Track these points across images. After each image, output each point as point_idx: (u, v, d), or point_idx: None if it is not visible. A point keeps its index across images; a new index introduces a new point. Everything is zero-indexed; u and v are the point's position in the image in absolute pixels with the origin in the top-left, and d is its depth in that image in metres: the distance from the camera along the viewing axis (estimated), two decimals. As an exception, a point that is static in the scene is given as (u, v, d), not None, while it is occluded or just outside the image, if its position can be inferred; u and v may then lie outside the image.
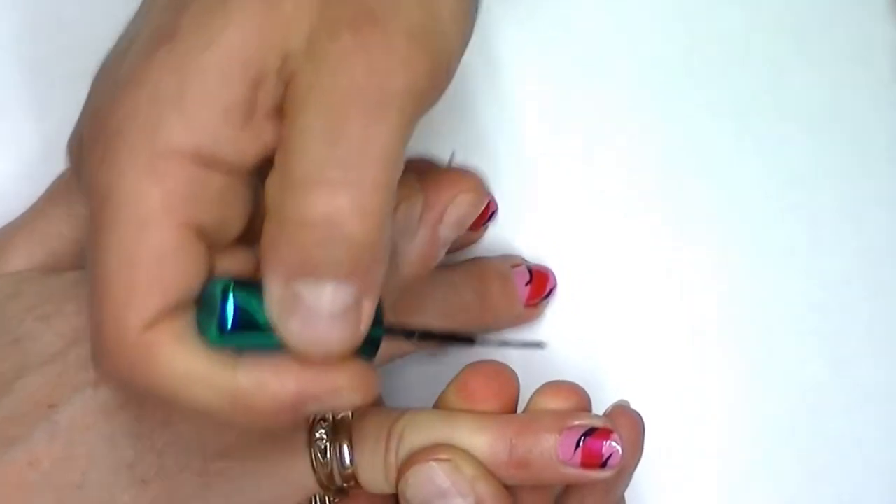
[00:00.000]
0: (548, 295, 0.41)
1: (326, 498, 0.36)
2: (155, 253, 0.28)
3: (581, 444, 0.34)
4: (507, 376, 0.36)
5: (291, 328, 0.28)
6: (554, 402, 0.35)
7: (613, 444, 0.34)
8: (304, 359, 0.28)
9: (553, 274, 0.42)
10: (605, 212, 0.43)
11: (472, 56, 0.41)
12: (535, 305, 0.41)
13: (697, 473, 0.41)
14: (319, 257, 0.27)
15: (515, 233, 0.42)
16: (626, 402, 0.36)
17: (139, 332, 0.28)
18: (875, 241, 0.43)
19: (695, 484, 0.39)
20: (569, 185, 0.43)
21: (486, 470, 0.34)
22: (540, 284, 0.41)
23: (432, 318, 0.38)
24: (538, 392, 0.35)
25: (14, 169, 0.41)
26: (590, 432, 0.34)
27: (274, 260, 0.27)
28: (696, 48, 0.43)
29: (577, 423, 0.34)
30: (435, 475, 0.34)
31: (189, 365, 0.28)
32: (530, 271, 0.41)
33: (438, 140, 0.42)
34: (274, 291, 0.28)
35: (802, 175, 0.43)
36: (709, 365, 0.42)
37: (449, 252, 0.40)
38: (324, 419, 0.35)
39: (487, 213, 0.41)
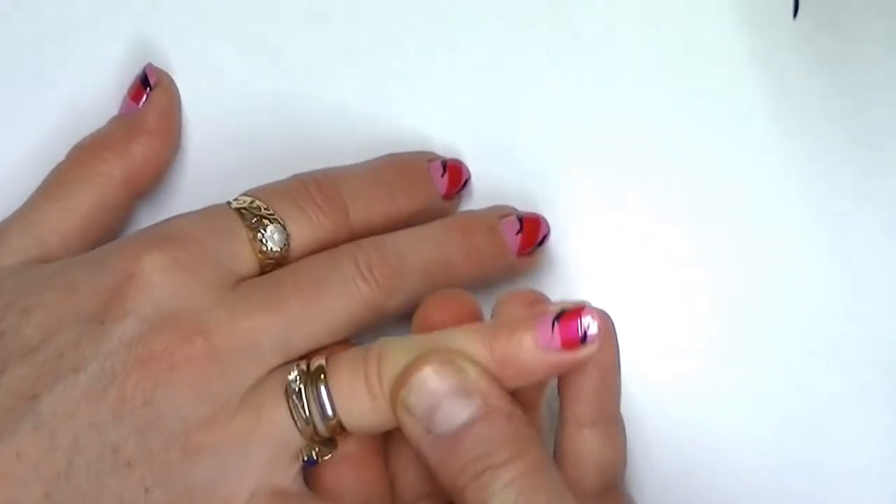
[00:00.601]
0: (541, 242, 0.40)
1: (313, 451, 0.35)
2: None
3: (556, 326, 0.34)
4: (466, 298, 0.36)
5: None
6: (516, 307, 0.35)
7: (588, 317, 0.34)
8: None
9: (545, 220, 0.40)
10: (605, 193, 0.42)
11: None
12: (529, 254, 0.40)
13: (696, 473, 0.41)
14: None
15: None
16: (587, 301, 0.35)
17: None
18: (878, 242, 0.41)
19: (694, 483, 0.38)
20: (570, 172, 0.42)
21: (487, 370, 0.34)
22: (531, 232, 0.40)
23: (414, 278, 0.37)
24: (498, 303, 0.36)
25: (11, 165, 0.41)
26: (561, 316, 0.34)
27: None
28: (703, 43, 0.42)
29: (548, 308, 0.34)
30: (441, 376, 0.33)
31: None
32: (520, 220, 0.40)
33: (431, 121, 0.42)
34: None
35: (807, 171, 0.42)
36: (708, 362, 0.41)
37: (423, 219, 0.40)
38: (300, 370, 0.35)
39: (461, 181, 0.41)
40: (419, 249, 0.38)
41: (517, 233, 0.40)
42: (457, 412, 0.33)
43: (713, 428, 0.41)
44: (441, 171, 0.41)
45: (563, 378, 0.36)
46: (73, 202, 0.38)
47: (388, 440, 0.37)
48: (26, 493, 0.33)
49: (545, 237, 0.40)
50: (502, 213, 0.40)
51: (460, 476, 0.33)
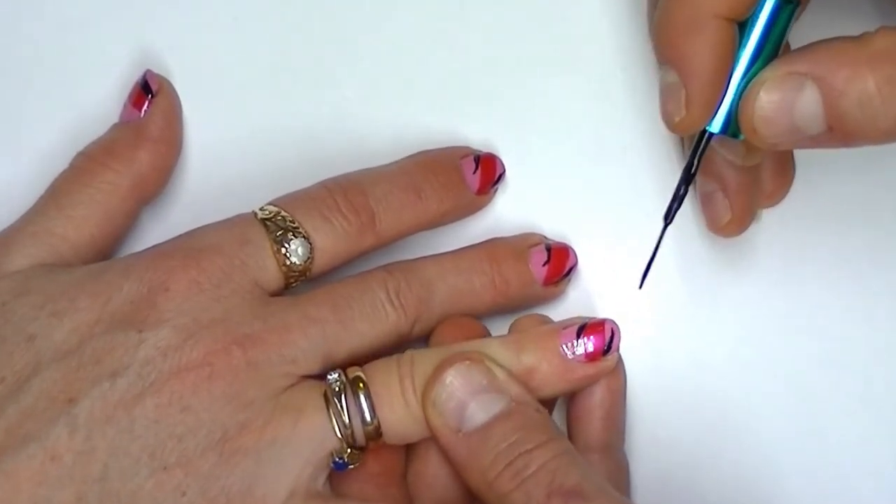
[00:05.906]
0: (568, 273, 0.41)
1: (345, 455, 0.36)
2: None
3: (581, 336, 0.37)
4: (476, 324, 0.39)
5: None
6: (536, 325, 0.39)
7: (611, 329, 0.37)
8: None
9: (573, 251, 0.41)
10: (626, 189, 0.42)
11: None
12: (555, 284, 0.40)
13: (697, 477, 0.41)
14: None
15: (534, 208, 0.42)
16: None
17: (710, 18, 0.33)
18: (881, 242, 0.42)
19: (694, 483, 0.39)
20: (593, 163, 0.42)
21: (514, 375, 0.36)
22: (559, 263, 0.40)
23: (438, 307, 0.38)
24: (515, 323, 0.39)
25: (15, 170, 0.41)
26: (584, 327, 0.37)
27: None
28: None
29: (571, 321, 0.37)
30: (470, 374, 0.35)
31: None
32: (549, 250, 0.40)
33: (463, 120, 0.42)
34: None
35: (813, 180, 0.42)
36: (708, 363, 0.41)
37: (455, 218, 0.41)
38: (339, 377, 0.36)
39: (494, 176, 0.41)
40: (446, 279, 0.39)
41: (544, 263, 0.40)
42: (487, 407, 0.35)
43: (714, 432, 0.41)
44: (473, 167, 0.41)
45: (574, 402, 0.38)
46: (81, 211, 0.38)
47: (407, 462, 0.38)
48: (58, 495, 0.33)
49: (572, 268, 0.41)
50: (531, 242, 0.41)
51: (491, 468, 0.34)
